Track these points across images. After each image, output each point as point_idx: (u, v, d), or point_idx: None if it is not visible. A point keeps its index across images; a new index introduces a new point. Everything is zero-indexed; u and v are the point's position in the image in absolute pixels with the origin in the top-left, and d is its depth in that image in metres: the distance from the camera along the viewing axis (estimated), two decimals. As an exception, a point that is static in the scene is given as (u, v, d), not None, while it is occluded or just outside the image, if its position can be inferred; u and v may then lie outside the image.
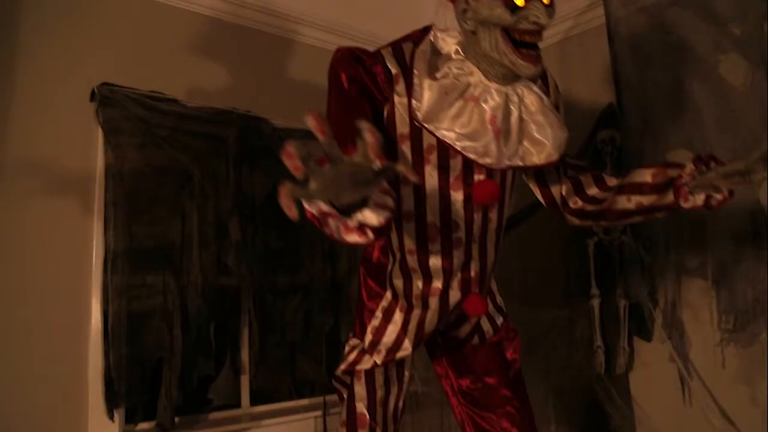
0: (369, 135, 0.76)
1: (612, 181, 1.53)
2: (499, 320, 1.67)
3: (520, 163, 1.39)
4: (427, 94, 1.31)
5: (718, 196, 1.38)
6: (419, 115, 1.31)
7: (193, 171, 2.34)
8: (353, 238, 0.91)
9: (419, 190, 1.42)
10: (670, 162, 1.47)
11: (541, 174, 1.59)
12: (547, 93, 1.48)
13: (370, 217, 0.90)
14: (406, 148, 1.38)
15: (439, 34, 1.42)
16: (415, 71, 1.34)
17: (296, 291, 2.59)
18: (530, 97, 1.39)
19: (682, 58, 2.22)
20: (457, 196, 1.42)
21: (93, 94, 2.21)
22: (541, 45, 1.32)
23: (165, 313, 2.23)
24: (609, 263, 2.34)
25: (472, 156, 1.33)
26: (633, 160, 2.29)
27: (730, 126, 2.09)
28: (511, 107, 1.36)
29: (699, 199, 1.39)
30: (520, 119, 1.37)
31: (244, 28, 2.61)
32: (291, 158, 0.73)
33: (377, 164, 0.77)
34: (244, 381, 2.55)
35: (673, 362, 2.22)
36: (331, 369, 2.10)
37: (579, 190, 1.57)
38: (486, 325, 1.64)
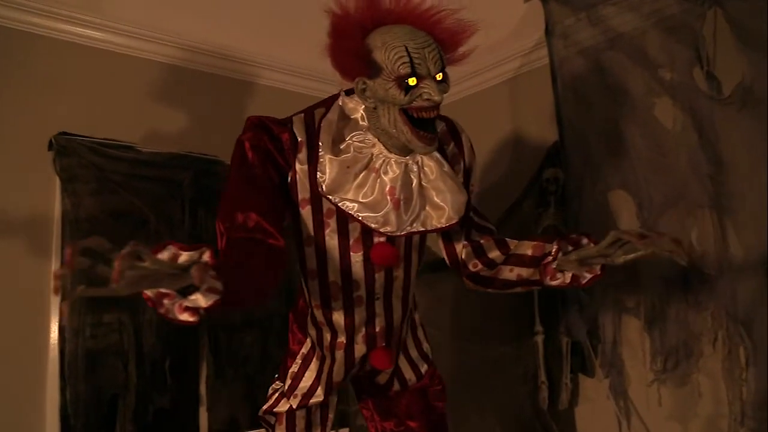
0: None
1: (514, 245, 1.58)
2: (423, 368, 1.74)
3: (422, 228, 1.46)
4: (328, 168, 1.39)
5: (587, 275, 1.42)
6: (323, 187, 1.39)
7: (148, 215, 2.44)
8: (185, 317, 0.99)
9: (320, 250, 1.49)
10: (550, 237, 1.52)
11: (447, 235, 1.64)
12: (460, 156, 1.56)
13: (200, 300, 0.99)
14: (306, 212, 1.46)
15: (346, 99, 1.48)
16: (320, 143, 1.41)
17: (252, 326, 2.67)
18: (430, 165, 1.46)
19: (618, 100, 2.26)
20: (357, 257, 1.49)
21: (50, 143, 2.31)
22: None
23: (120, 350, 2.33)
24: (552, 301, 2.38)
25: (373, 225, 1.40)
26: (574, 201, 2.33)
27: (661, 168, 2.12)
28: (411, 176, 1.44)
29: (567, 276, 1.45)
30: (420, 186, 1.44)
31: (197, 72, 2.69)
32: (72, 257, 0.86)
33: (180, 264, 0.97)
34: (203, 414, 2.62)
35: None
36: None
37: (480, 253, 1.61)
38: (408, 372, 1.72)
